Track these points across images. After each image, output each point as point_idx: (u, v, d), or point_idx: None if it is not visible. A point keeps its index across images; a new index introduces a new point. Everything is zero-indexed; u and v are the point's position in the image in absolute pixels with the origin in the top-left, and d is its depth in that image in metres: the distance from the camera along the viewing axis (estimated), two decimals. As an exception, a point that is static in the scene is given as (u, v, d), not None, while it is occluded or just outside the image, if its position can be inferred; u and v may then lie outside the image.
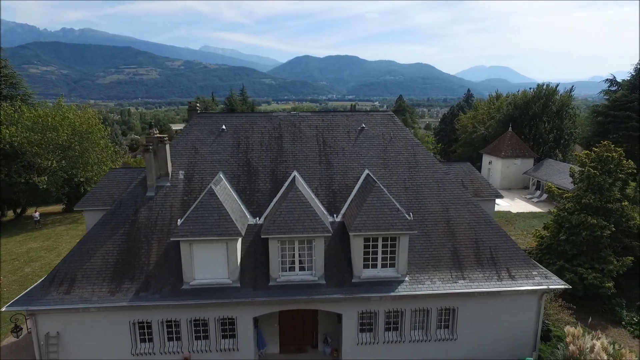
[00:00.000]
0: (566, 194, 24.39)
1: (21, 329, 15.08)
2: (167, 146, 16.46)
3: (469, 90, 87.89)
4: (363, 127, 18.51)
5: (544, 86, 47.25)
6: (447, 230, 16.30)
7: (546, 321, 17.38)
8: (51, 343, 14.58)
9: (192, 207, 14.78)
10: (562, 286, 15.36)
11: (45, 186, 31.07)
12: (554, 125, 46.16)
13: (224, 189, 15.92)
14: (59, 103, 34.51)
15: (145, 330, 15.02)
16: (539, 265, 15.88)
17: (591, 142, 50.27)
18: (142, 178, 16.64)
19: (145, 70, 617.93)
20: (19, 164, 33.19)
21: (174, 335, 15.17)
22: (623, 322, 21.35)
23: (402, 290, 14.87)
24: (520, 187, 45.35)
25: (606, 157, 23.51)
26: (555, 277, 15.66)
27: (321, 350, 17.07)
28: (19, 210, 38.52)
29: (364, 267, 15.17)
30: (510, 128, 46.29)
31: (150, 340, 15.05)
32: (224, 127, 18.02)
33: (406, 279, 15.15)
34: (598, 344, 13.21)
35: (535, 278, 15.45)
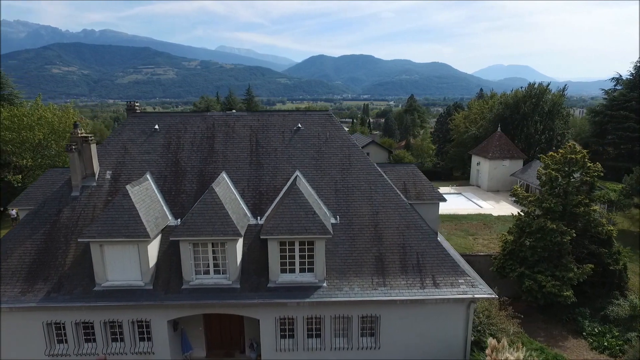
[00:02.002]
0: (530, 198, 23.41)
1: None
2: (93, 146, 16.35)
3: (481, 89, 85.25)
4: (299, 127, 18.05)
5: (535, 85, 45.70)
6: (374, 235, 15.71)
7: (484, 330, 16.59)
8: (-33, 341, 14.64)
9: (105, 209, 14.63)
10: (487, 296, 14.59)
11: (20, 184, 31.59)
12: (545, 125, 44.61)
13: (145, 190, 15.71)
14: (36, 102, 35.16)
15: (62, 332, 14.95)
16: (467, 273, 15.14)
17: (589, 144, 48.49)
18: (69, 178, 16.59)
19: (163, 70, 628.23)
20: (-3, 162, 33.95)
21: (91, 337, 15.05)
22: (584, 333, 20.36)
23: (318, 296, 14.39)
24: (509, 190, 43.92)
25: (570, 159, 22.45)
26: (483, 286, 14.89)
27: (248, 356, 16.71)
28: (-2, 208, 39.25)
29: (281, 272, 14.74)
30: (499, 128, 44.94)
31: (66, 341, 14.96)
32: (156, 127, 17.84)
33: (324, 284, 14.66)
34: (512, 358, 12.45)
35: (461, 286, 14.73)
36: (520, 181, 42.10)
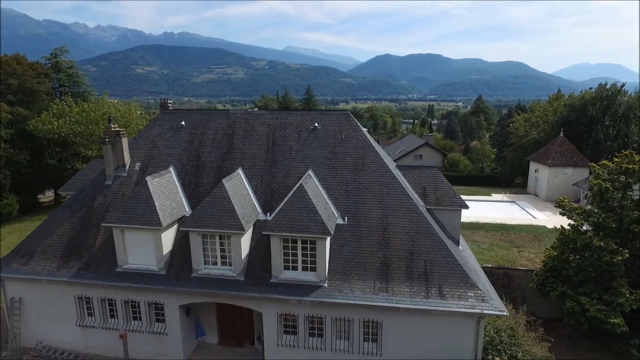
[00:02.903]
0: (577, 210, 21.22)
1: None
2: (124, 139, 17.80)
3: (559, 90, 77.73)
4: (316, 126, 18.09)
5: (607, 86, 41.10)
6: (381, 239, 15.29)
7: (504, 350, 15.39)
8: (15, 307, 16.75)
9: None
10: (498, 313, 13.52)
11: (86, 172, 35.27)
12: (618, 131, 40.00)
13: (165, 182, 16.78)
14: (102, 99, 38.95)
15: (91, 306, 16.51)
16: (477, 286, 14.16)
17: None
18: (104, 168, 18.22)
19: (233, 70, 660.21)
20: (69, 152, 38.14)
21: (114, 313, 16.44)
22: (637, 368, 18.06)
23: (317, 296, 14.37)
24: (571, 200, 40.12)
25: (627, 169, 19.98)
26: (494, 302, 13.84)
27: (256, 348, 17.17)
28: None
29: (284, 269, 14.94)
30: (561, 133, 41.16)
31: (93, 314, 16.49)
32: (183, 123, 18.93)
33: (325, 284, 14.60)
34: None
35: (469, 300, 13.83)
36: (583, 192, 38.25)
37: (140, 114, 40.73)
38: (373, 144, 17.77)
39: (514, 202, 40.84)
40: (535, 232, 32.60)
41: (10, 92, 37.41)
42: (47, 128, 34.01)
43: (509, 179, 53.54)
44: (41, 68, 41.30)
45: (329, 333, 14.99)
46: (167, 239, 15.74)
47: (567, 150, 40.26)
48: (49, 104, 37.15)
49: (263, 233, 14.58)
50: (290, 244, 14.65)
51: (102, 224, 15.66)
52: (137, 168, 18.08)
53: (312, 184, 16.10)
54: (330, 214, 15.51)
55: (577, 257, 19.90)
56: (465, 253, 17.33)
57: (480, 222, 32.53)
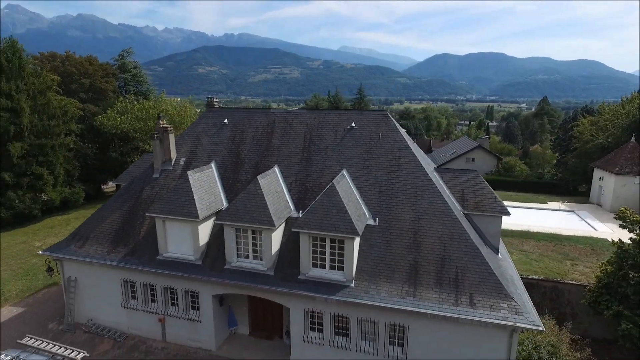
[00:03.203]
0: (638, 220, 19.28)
1: (52, 270, 19.36)
2: (171, 135, 18.91)
3: (636, 91, 70.04)
4: (353, 126, 18.03)
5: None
6: (412, 242, 14.93)
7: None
8: (71, 285, 18.46)
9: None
10: (532, 327, 12.66)
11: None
12: None
13: (206, 177, 17.61)
14: (160, 97, 41.58)
15: (135, 289, 17.77)
16: (512, 296, 13.36)
17: None
18: (153, 162, 19.49)
19: (289, 69, 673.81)
20: (130, 146, 41.15)
21: (155, 298, 17.56)
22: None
23: (343, 295, 14.35)
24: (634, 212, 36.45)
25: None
26: (529, 315, 12.99)
27: (285, 342, 17.50)
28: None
29: (312, 267, 15.09)
30: (633, 138, 37.47)
31: (136, 298, 17.74)
32: (225, 120, 19.72)
33: (352, 284, 14.54)
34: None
35: (502, 311, 13.10)
36: (656, 204, 34.61)
37: (199, 111, 43.04)
38: (410, 145, 17.37)
39: (572, 211, 37.86)
40: (594, 245, 30.03)
41: (83, 90, 41.12)
42: (111, 124, 37.03)
43: (570, 187, 49.65)
44: (110, 68, 44.99)
45: (354, 333, 14.92)
46: (204, 230, 16.52)
47: (638, 157, 36.59)
48: (114, 101, 40.41)
49: (292, 230, 14.83)
50: (319, 242, 14.76)
51: (145, 214, 16.76)
52: (182, 162, 19.14)
53: (345, 184, 16.09)
54: (361, 214, 15.41)
55: (638, 274, 18.11)
56: (504, 262, 16.41)
57: (531, 230, 30.58)
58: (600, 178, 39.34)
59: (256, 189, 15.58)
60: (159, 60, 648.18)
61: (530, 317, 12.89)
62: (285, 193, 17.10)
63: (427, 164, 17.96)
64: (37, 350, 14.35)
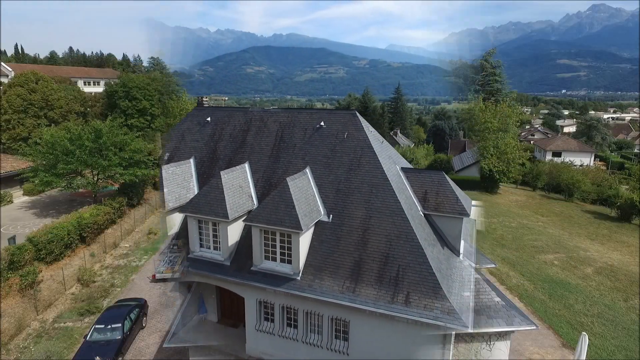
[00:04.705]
0: None
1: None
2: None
3: None
4: (321, 125, 18.49)
5: None
6: (360, 239, 15.22)
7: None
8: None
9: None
10: (461, 327, 12.56)
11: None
12: None
13: (182, 171, 18.91)
14: (182, 97, 44.18)
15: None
16: (447, 297, 13.29)
17: None
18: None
19: (334, 69, 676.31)
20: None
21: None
22: None
23: (288, 287, 14.97)
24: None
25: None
26: (461, 317, 12.87)
27: (248, 330, 18.36)
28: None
29: (265, 259, 15.82)
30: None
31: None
32: (209, 119, 20.91)
33: (298, 277, 15.12)
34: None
35: (434, 311, 13.12)
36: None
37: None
38: (374, 145, 17.54)
39: None
40: None
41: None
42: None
43: None
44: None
45: (301, 325, 15.50)
46: (175, 220, 17.79)
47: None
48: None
49: (243, 222, 15.65)
50: (270, 236, 15.46)
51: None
52: (165, 157, 20.60)
53: (303, 181, 16.63)
54: (314, 210, 15.90)
55: None
56: (463, 264, 16.19)
57: None
58: None
59: (217, 184, 16.54)
60: (210, 61, 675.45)
61: (460, 320, 12.80)
62: (251, 188, 17.94)
63: (392, 162, 18.05)
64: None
